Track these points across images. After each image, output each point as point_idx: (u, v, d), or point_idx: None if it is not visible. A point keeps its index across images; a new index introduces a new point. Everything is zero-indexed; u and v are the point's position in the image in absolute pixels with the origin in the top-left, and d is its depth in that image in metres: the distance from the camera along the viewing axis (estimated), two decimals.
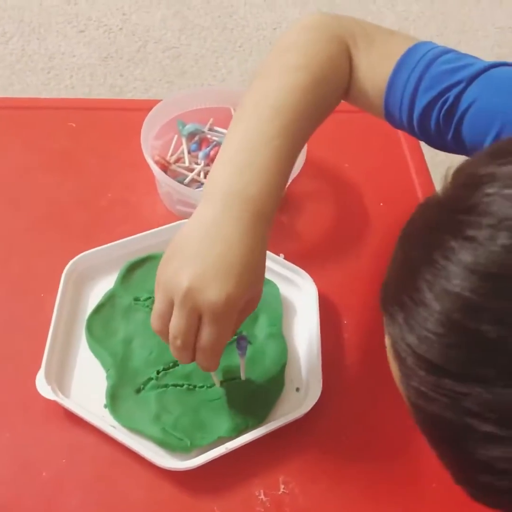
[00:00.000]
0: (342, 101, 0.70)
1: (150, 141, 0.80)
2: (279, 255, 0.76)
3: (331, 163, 0.88)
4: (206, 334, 0.54)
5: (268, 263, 0.75)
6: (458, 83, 0.60)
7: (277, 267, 0.75)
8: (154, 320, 0.57)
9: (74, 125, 0.88)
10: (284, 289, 0.74)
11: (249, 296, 0.57)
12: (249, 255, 0.55)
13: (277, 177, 0.58)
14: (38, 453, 0.62)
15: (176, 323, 0.54)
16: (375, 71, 0.66)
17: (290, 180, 0.77)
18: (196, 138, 0.86)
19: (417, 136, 0.66)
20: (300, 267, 0.74)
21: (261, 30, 2.27)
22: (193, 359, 0.57)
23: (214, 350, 0.56)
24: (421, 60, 0.63)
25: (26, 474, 0.61)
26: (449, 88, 0.60)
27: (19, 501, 0.59)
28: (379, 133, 0.93)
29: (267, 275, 0.74)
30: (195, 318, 0.54)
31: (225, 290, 0.53)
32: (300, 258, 0.76)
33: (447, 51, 0.64)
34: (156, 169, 0.76)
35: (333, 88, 0.66)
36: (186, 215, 0.79)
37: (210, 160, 0.83)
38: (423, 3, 2.45)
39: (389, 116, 0.66)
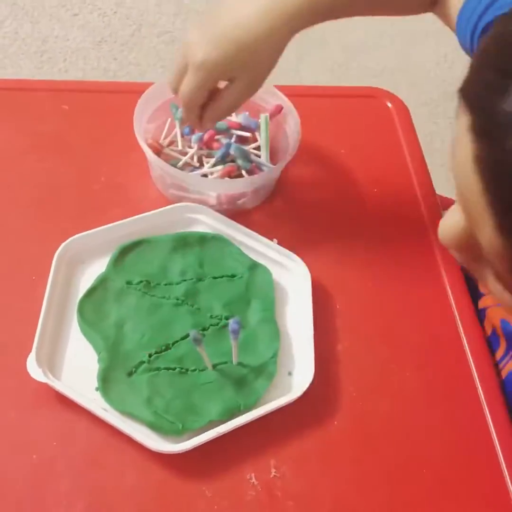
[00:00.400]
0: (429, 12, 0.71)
1: (143, 125, 0.79)
2: (272, 240, 0.75)
3: (326, 149, 0.88)
4: (184, 82, 0.66)
5: (262, 248, 0.75)
6: None
7: (270, 252, 0.75)
8: (171, 78, 0.69)
9: (67, 107, 0.88)
10: (277, 274, 0.74)
11: (236, 71, 0.65)
12: (250, 34, 0.63)
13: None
14: (29, 436, 0.61)
15: (186, 82, 0.67)
16: None
17: (287, 160, 0.77)
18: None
19: None
20: (294, 252, 0.74)
21: None
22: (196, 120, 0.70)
23: (187, 103, 0.67)
24: None
25: (16, 456, 0.60)
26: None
27: (9, 484, 0.59)
28: (376, 120, 0.93)
29: (260, 260, 0.74)
30: (184, 66, 0.66)
31: (208, 51, 0.63)
32: (294, 243, 0.76)
33: None
34: (149, 153, 0.76)
35: None
36: (179, 199, 0.79)
37: (203, 144, 0.82)
38: None
39: (459, 29, 0.66)
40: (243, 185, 0.78)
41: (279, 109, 0.82)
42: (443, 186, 0.88)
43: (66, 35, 2.09)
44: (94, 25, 2.13)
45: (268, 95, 0.83)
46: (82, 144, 0.85)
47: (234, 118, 0.85)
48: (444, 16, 0.70)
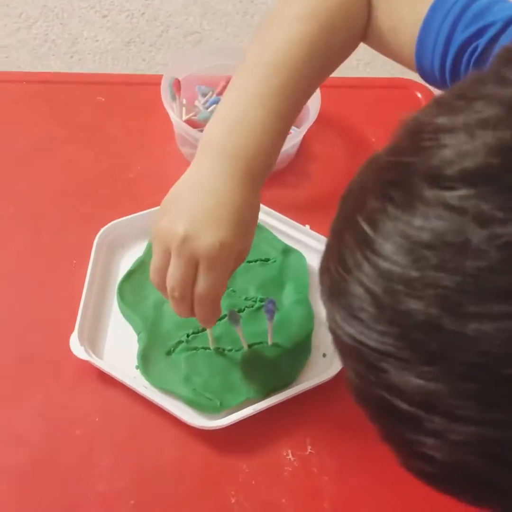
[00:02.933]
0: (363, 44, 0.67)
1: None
2: (304, 226, 0.77)
3: (357, 138, 0.89)
4: (202, 282, 0.55)
5: (295, 233, 0.77)
6: (491, 24, 0.56)
7: (303, 237, 0.77)
8: (153, 274, 0.57)
9: (103, 99, 0.90)
10: (311, 259, 0.75)
11: (242, 245, 0.58)
12: (240, 210, 0.56)
13: (270, 137, 0.58)
14: (72, 412, 0.63)
15: (172, 273, 0.55)
16: (394, 11, 0.62)
17: (306, 128, 0.79)
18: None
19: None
20: (327, 237, 0.75)
21: None
22: (192, 313, 0.58)
23: (211, 299, 0.56)
24: (458, 1, 0.58)
25: (60, 432, 0.62)
26: (482, 30, 0.56)
27: (54, 458, 0.61)
28: (406, 110, 0.94)
29: (294, 245, 0.76)
30: (192, 267, 0.55)
31: (219, 237, 0.54)
32: (327, 228, 0.77)
33: None
34: (178, 122, 0.79)
35: (345, 35, 0.63)
36: None
37: None
38: None
39: (420, 61, 0.61)
40: None
41: None
42: None
43: (95, 36, 2.12)
44: (123, 26, 2.16)
45: None
46: (117, 134, 0.87)
47: None
48: (380, 45, 0.66)
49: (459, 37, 0.58)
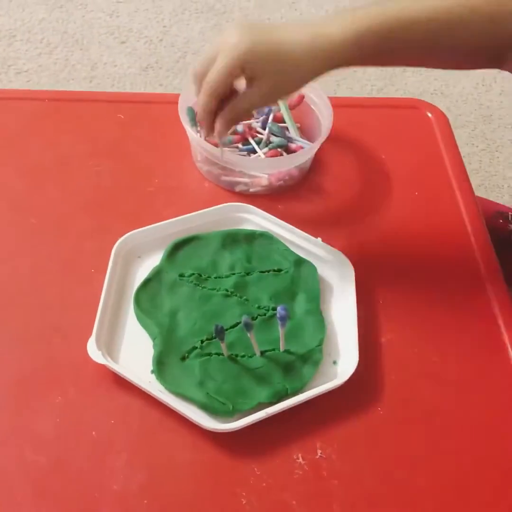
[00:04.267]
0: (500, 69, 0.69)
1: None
2: (316, 238, 0.79)
3: (367, 154, 0.91)
4: (212, 67, 0.63)
5: (307, 245, 0.79)
6: None
7: (314, 249, 0.79)
8: (200, 62, 0.65)
9: (122, 116, 0.93)
10: (322, 271, 0.77)
11: (260, 74, 0.62)
12: (289, 49, 0.62)
13: (366, 35, 0.63)
14: (89, 414, 0.65)
15: (214, 69, 0.63)
16: None
17: (319, 144, 0.83)
18: None
19: None
20: (337, 249, 0.77)
21: None
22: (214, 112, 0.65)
23: (210, 87, 0.63)
24: None
25: (77, 433, 0.64)
26: None
27: (71, 459, 0.62)
28: (416, 129, 0.97)
29: (306, 256, 0.78)
30: (214, 54, 0.62)
31: (242, 38, 0.61)
32: (338, 241, 0.79)
33: None
34: (195, 138, 0.82)
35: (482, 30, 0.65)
36: (231, 186, 0.85)
37: (240, 138, 0.88)
38: None
39: None
40: (290, 160, 0.84)
41: (301, 99, 0.88)
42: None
43: (114, 61, 2.17)
44: (141, 52, 2.21)
45: None
46: (137, 150, 0.90)
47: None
48: None
49: None
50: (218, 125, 0.66)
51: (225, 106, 0.65)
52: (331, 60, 0.63)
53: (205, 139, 0.79)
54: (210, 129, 0.67)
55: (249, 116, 0.68)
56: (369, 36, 0.63)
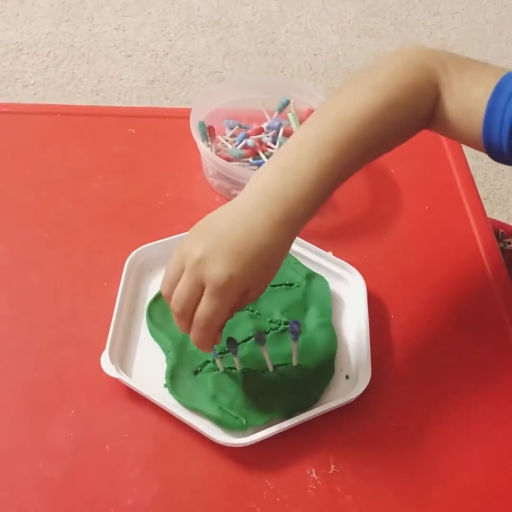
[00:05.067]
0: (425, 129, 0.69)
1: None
2: (328, 252, 0.79)
3: (376, 168, 0.92)
4: (203, 306, 0.57)
5: (318, 259, 0.79)
6: None
7: (326, 263, 0.79)
8: (164, 283, 0.60)
9: (133, 131, 0.94)
10: (334, 285, 0.78)
11: (254, 285, 0.59)
12: (267, 249, 0.57)
13: (317, 187, 0.59)
14: (102, 428, 0.65)
15: (180, 288, 0.58)
16: (467, 93, 0.65)
17: None
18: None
19: None
20: (348, 263, 0.78)
21: (301, 56, 2.33)
22: (189, 330, 0.60)
23: (207, 325, 0.58)
24: None
25: (91, 447, 0.64)
26: None
27: (84, 472, 0.62)
28: (425, 143, 0.97)
29: (317, 270, 0.78)
30: (199, 289, 0.57)
31: (231, 269, 0.56)
32: (349, 255, 0.79)
33: None
34: (206, 152, 0.83)
35: (409, 114, 0.66)
36: None
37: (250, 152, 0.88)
38: (461, 30, 2.50)
39: (488, 141, 0.64)
40: None
41: (310, 113, 0.88)
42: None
43: (120, 75, 2.18)
44: (147, 66, 2.23)
45: (308, 97, 0.91)
46: (147, 164, 0.91)
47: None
48: (448, 128, 0.68)
49: None
50: (218, 336, 0.61)
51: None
52: (297, 229, 0.60)
53: None
54: (211, 345, 0.62)
55: None
56: (323, 193, 0.60)
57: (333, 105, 0.64)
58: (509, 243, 0.85)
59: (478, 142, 0.65)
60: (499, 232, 1.01)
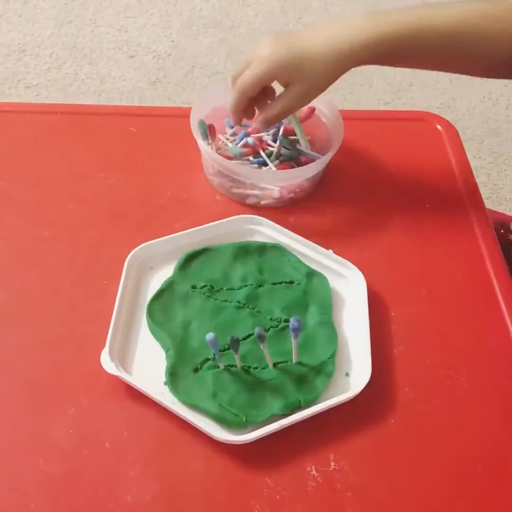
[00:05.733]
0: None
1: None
2: (328, 250, 0.79)
3: (378, 166, 0.92)
4: (245, 72, 0.73)
5: (319, 258, 0.79)
6: None
7: (326, 261, 0.79)
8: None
9: (134, 130, 0.94)
10: (334, 282, 0.77)
11: (297, 79, 0.73)
12: (311, 50, 0.72)
13: (372, 36, 0.71)
14: (102, 426, 0.65)
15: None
16: None
17: (329, 157, 0.84)
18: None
19: None
20: (349, 261, 0.78)
21: None
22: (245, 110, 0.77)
23: (242, 89, 0.73)
24: None
25: (90, 444, 0.64)
26: None
27: (84, 470, 0.62)
28: (426, 141, 0.97)
29: (317, 269, 0.78)
30: (249, 62, 0.73)
31: (275, 51, 0.72)
32: (349, 253, 0.79)
33: None
34: (207, 150, 0.83)
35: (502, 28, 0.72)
36: (243, 198, 0.85)
37: (251, 150, 0.88)
38: None
39: None
40: (302, 172, 0.84)
41: (311, 112, 0.88)
42: None
43: (122, 76, 2.19)
44: (149, 67, 2.23)
45: None
46: (148, 162, 0.91)
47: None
48: None
49: None
50: (258, 123, 0.78)
51: (252, 104, 0.77)
52: (352, 61, 0.73)
53: (218, 153, 0.81)
54: (238, 121, 0.79)
55: (286, 116, 0.78)
56: (389, 41, 0.71)
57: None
58: None
59: None
60: (510, 225, 1.01)
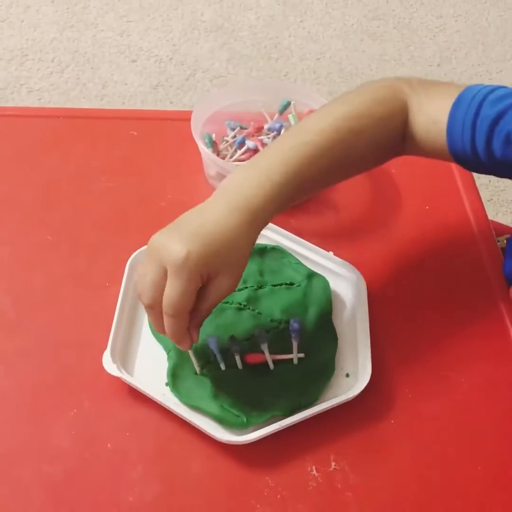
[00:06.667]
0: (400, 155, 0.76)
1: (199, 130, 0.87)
2: (328, 252, 0.80)
3: (379, 168, 0.92)
4: (167, 290, 0.58)
5: (319, 259, 0.80)
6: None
7: (326, 263, 0.79)
8: (136, 285, 0.63)
9: (135, 133, 0.95)
10: (334, 284, 0.78)
11: (221, 270, 0.60)
12: (225, 230, 0.60)
13: (279, 188, 0.63)
14: (104, 426, 0.66)
15: (144, 277, 0.59)
16: (433, 105, 0.71)
17: None
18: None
19: (484, 165, 0.71)
20: (349, 262, 0.78)
21: (305, 60, 2.34)
22: (163, 328, 0.60)
23: (176, 311, 0.58)
24: (478, 93, 0.69)
25: (93, 445, 0.65)
26: (505, 111, 0.66)
27: (87, 471, 0.63)
28: None
29: (318, 270, 0.79)
30: (162, 274, 0.58)
31: (188, 246, 0.57)
32: (349, 254, 0.80)
33: (500, 86, 0.70)
34: (207, 153, 0.84)
35: (377, 125, 0.70)
36: None
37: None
38: (464, 33, 2.50)
39: (453, 149, 0.70)
40: None
41: None
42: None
43: (124, 80, 2.20)
44: (151, 71, 2.24)
45: (308, 99, 0.92)
46: (149, 166, 0.91)
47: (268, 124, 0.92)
48: (417, 145, 0.73)
49: (488, 112, 0.67)
50: (194, 332, 0.62)
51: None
52: (261, 226, 0.64)
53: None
54: (189, 345, 0.63)
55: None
56: (286, 192, 0.64)
57: (311, 116, 0.71)
58: (498, 241, 0.86)
59: (445, 151, 0.71)
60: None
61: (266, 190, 0.62)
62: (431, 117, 0.71)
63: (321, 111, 0.72)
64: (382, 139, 0.72)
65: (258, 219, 0.62)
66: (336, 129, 0.67)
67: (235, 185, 0.63)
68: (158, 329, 0.61)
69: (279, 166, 0.64)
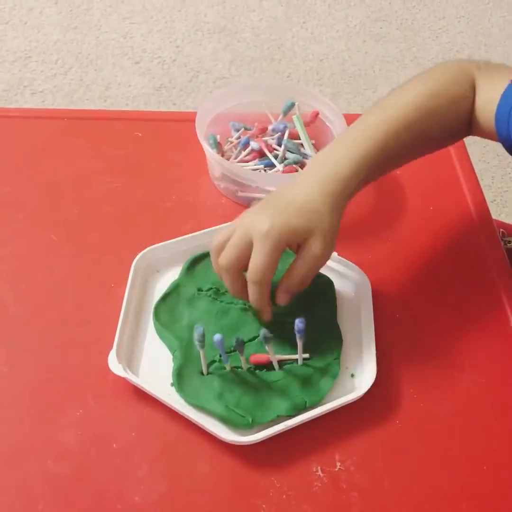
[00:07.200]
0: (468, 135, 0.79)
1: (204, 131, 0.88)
2: (333, 252, 0.80)
3: None
4: (253, 258, 0.63)
5: None
6: None
7: (331, 263, 0.79)
8: (213, 249, 0.67)
9: (140, 134, 0.95)
10: (338, 284, 0.78)
11: (310, 233, 0.64)
12: (310, 199, 0.65)
13: (357, 166, 0.68)
14: (109, 427, 0.66)
15: (227, 251, 0.65)
16: (492, 86, 0.74)
17: None
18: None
19: None
20: (353, 263, 0.78)
21: (308, 61, 2.34)
22: (242, 293, 0.66)
23: (260, 278, 0.63)
24: None
25: (98, 445, 0.65)
26: None
27: (92, 470, 0.63)
28: None
29: (322, 270, 0.78)
30: (246, 247, 0.63)
31: (274, 220, 0.62)
32: (353, 255, 0.80)
33: None
34: (212, 154, 0.84)
35: (450, 103, 0.74)
36: (249, 201, 0.86)
37: (257, 154, 0.90)
38: (467, 34, 2.50)
39: (500, 135, 0.73)
40: None
41: (315, 116, 0.89)
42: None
43: (128, 82, 2.20)
44: (154, 72, 2.24)
45: (312, 100, 0.92)
46: (154, 166, 0.92)
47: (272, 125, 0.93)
48: (482, 130, 0.76)
49: None
50: (281, 297, 0.68)
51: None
52: (349, 196, 0.69)
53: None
54: (270, 315, 0.69)
55: (309, 282, 0.68)
56: (371, 161, 0.69)
57: (381, 103, 0.74)
58: (509, 242, 0.85)
59: (494, 133, 0.73)
60: (500, 231, 1.01)
61: (355, 162, 0.67)
62: (487, 101, 0.74)
63: (398, 90, 0.75)
64: (455, 118, 0.75)
65: (346, 189, 0.67)
66: (418, 106, 0.71)
67: (326, 158, 0.69)
68: (233, 291, 0.67)
69: (365, 141, 0.69)
